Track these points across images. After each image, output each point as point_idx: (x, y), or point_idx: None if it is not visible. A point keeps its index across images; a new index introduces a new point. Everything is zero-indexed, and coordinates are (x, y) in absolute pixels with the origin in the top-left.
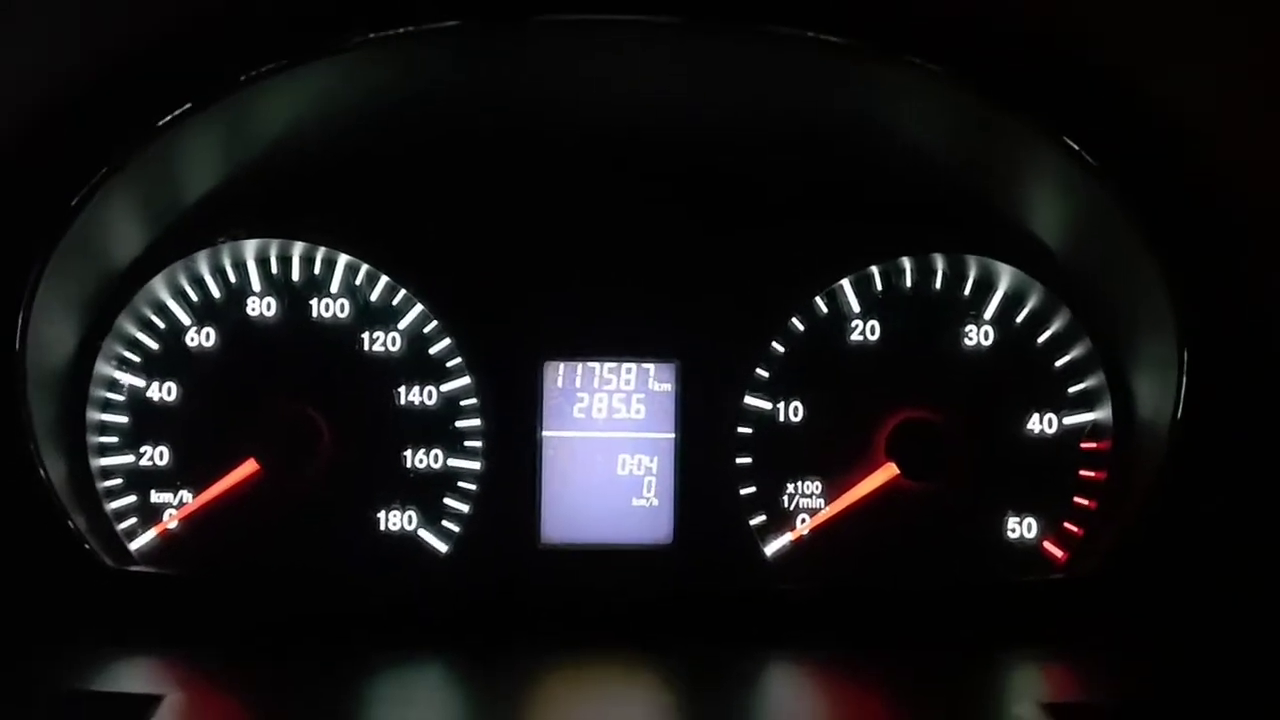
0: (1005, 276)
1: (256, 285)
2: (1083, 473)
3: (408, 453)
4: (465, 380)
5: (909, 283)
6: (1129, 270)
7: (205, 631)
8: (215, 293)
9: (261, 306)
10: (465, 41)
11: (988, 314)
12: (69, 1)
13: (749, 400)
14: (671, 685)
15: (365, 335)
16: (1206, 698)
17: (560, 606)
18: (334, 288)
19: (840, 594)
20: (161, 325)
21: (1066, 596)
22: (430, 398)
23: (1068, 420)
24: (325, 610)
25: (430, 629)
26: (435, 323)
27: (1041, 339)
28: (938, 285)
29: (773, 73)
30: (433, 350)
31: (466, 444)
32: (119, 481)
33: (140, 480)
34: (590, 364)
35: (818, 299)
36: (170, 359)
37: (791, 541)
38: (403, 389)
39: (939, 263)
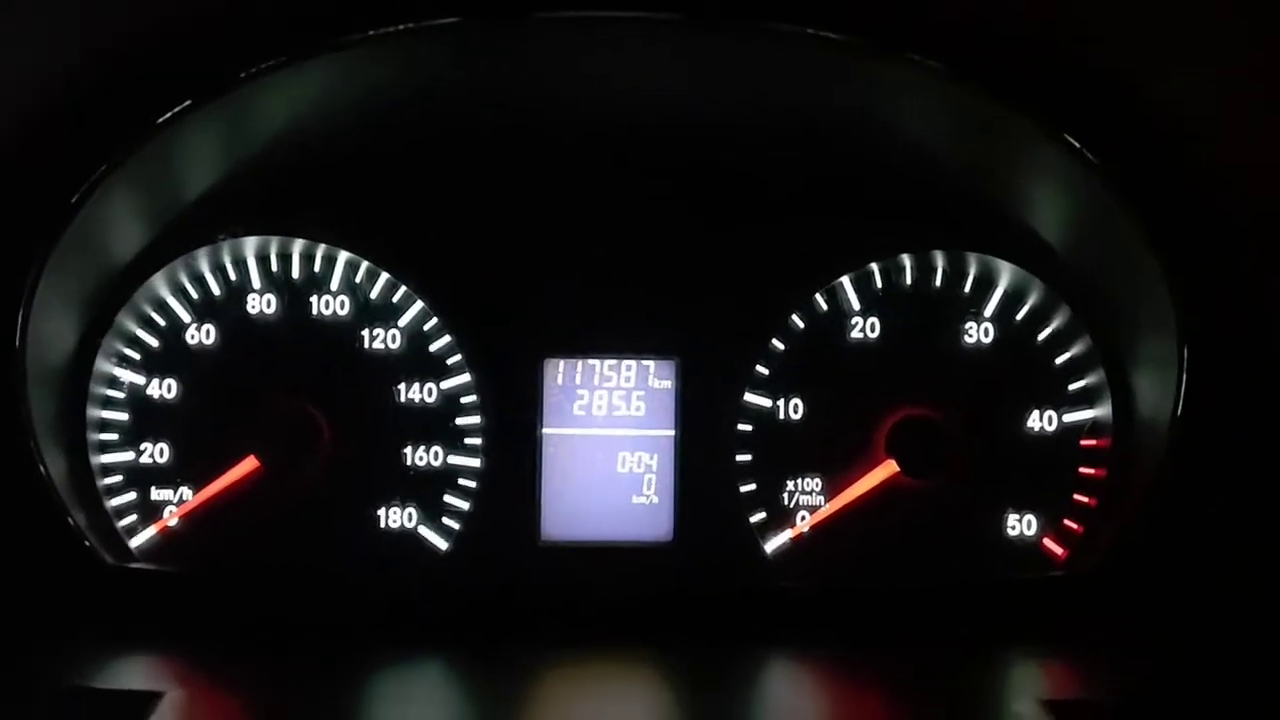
0: (1005, 274)
1: (256, 282)
2: (1083, 470)
3: (408, 450)
4: (465, 377)
5: (909, 280)
6: (1129, 268)
7: (205, 628)
8: (215, 290)
9: (261, 304)
10: (465, 38)
11: (988, 311)
12: None
13: (749, 397)
14: (671, 683)
15: (365, 332)
16: (1206, 695)
17: (560, 604)
18: (334, 285)
19: (840, 591)
20: (162, 322)
21: (1066, 594)
22: (430, 395)
23: (1068, 418)
24: (325, 607)
25: (430, 626)
26: (435, 320)
27: (1042, 336)
28: (938, 282)
29: (773, 70)
30: (433, 347)
31: (466, 441)
32: (119, 478)
33: (140, 477)
34: (590, 361)
35: (818, 296)
36: (170, 356)
37: (791, 539)
38: (403, 386)
39: (939, 260)
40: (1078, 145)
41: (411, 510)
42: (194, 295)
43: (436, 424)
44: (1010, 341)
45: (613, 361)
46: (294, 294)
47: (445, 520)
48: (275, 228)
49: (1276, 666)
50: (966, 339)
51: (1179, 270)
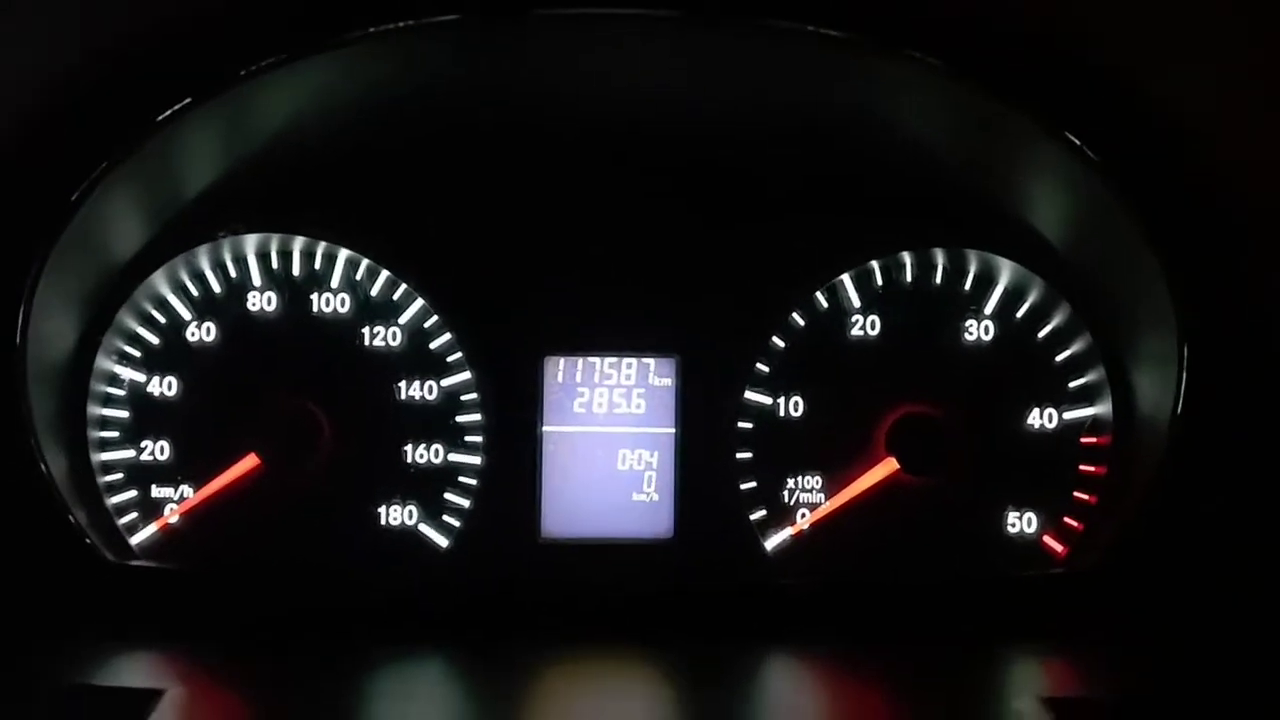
0: (1006, 271)
1: (257, 280)
2: (1083, 468)
3: (408, 448)
4: (466, 375)
5: (909, 278)
6: (1130, 265)
7: (206, 626)
8: (216, 288)
9: (262, 301)
10: (465, 36)
11: (988, 309)
12: None
13: (749, 395)
14: (671, 680)
15: (366, 330)
16: (1206, 692)
17: (560, 601)
18: (334, 282)
19: (840, 589)
20: (162, 320)
21: (1066, 591)
22: (431, 393)
23: (1068, 415)
24: (326, 605)
25: (430, 624)
26: (436, 318)
27: (1042, 334)
28: (938, 280)
29: (773, 67)
30: (433, 345)
31: (467, 439)
32: (120, 476)
33: (141, 475)
34: (590, 359)
35: (818, 294)
36: (171, 354)
37: (792, 536)
38: (403, 384)
39: (939, 258)
40: (1077, 143)
41: (412, 508)
42: (194, 293)
43: (437, 421)
44: (1010, 339)
45: (613, 359)
46: (294, 291)
47: (446, 518)
48: (276, 225)
49: (1276, 664)
50: (967, 336)
51: (1179, 267)
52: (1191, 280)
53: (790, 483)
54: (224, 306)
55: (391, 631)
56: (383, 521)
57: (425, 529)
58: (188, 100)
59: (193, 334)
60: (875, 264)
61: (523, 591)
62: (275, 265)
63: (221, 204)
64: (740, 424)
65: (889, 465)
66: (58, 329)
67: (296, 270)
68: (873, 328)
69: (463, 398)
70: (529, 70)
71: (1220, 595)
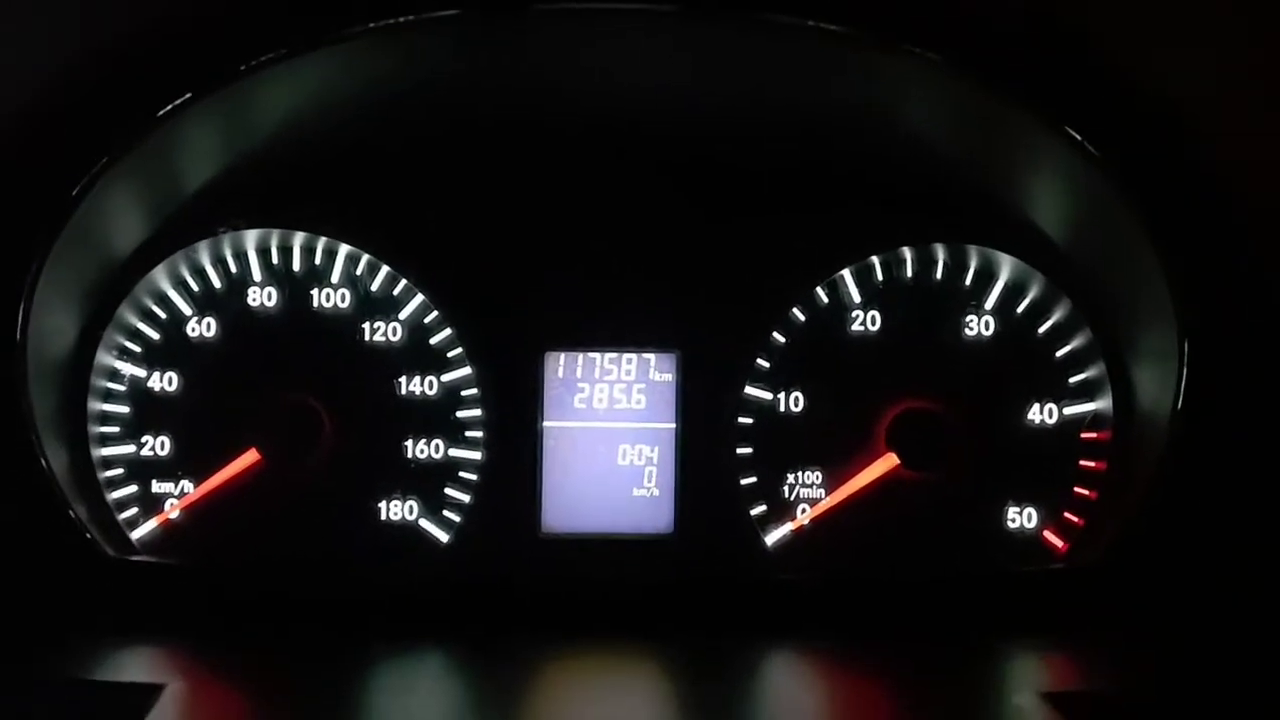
0: (1006, 267)
1: (257, 275)
2: (1083, 463)
3: (409, 443)
4: (466, 370)
5: (910, 273)
6: (1130, 261)
7: (207, 621)
8: (216, 283)
9: (262, 296)
10: (465, 31)
11: (989, 304)
12: None
13: (750, 390)
14: (671, 675)
15: (366, 325)
16: (1207, 688)
17: (561, 596)
18: (335, 278)
19: (840, 584)
20: (162, 315)
21: (1067, 586)
22: (431, 388)
23: (1068, 410)
24: (326, 600)
25: (431, 618)
26: (436, 313)
27: (1042, 329)
28: (939, 275)
29: (772, 62)
30: (433, 340)
31: (467, 434)
32: (120, 471)
33: (141, 470)
34: (591, 354)
35: (818, 289)
36: (171, 349)
37: (792, 531)
38: (404, 379)
39: (940, 253)
40: (1078, 138)
41: (412, 503)
42: (195, 288)
43: (437, 417)
44: (1011, 334)
45: (613, 354)
46: (295, 287)
47: (446, 513)
48: (276, 220)
49: (1276, 660)
50: (967, 332)
51: (1179, 263)
52: (1192, 276)
53: (790, 478)
54: (224, 302)
55: (392, 626)
56: (383, 516)
57: (425, 524)
58: (188, 95)
59: (193, 329)
60: (876, 259)
61: (523, 586)
62: (275, 260)
63: (222, 199)
64: (741, 419)
65: (889, 461)
66: (58, 324)
67: (297, 265)
68: (873, 323)
69: (463, 393)
70: (529, 65)
71: (1220, 591)
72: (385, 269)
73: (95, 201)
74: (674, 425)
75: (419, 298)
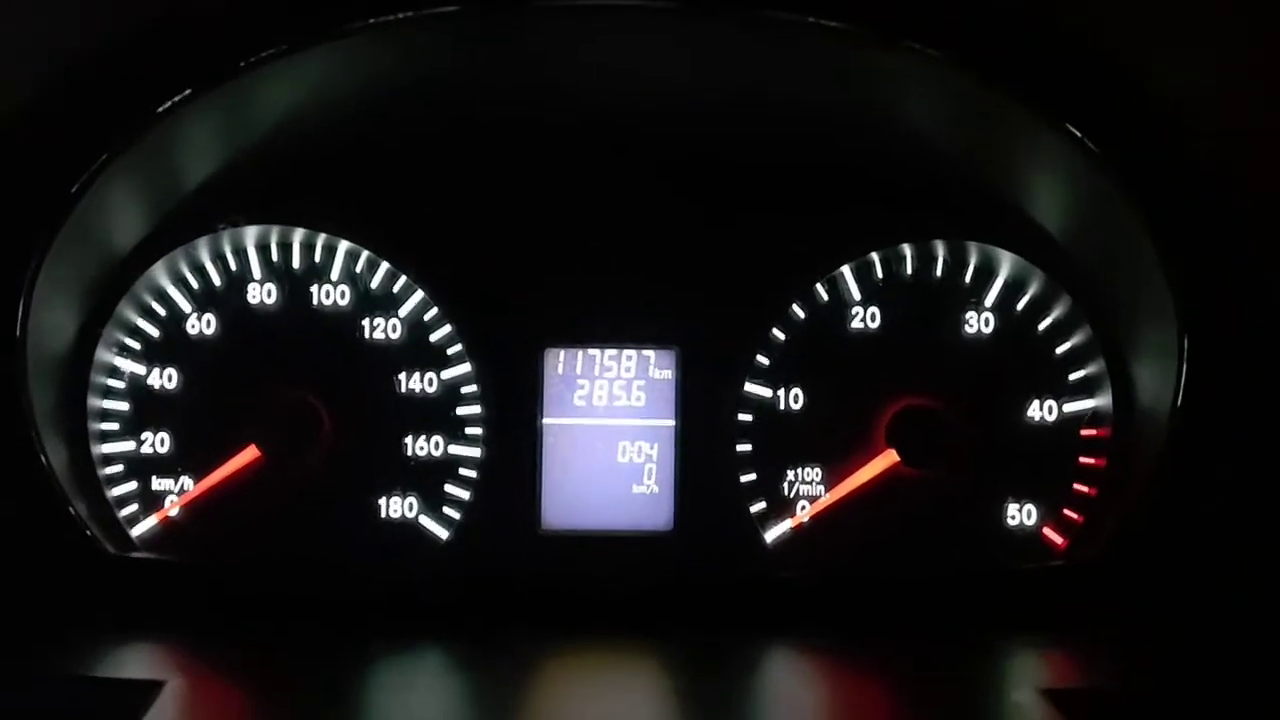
0: (1006, 263)
1: (257, 272)
2: (1083, 460)
3: (408, 440)
4: (466, 367)
5: (910, 270)
6: (1130, 257)
7: (206, 617)
8: (216, 280)
9: (262, 293)
10: (465, 27)
11: (988, 301)
12: None
13: (749, 387)
14: (671, 672)
15: (366, 322)
16: (1206, 684)
17: (560, 593)
18: (334, 275)
19: (840, 581)
20: (162, 312)
21: (1066, 583)
22: (431, 385)
23: (1068, 407)
24: (326, 597)
25: (431, 615)
26: (436, 310)
27: (1042, 326)
28: (939, 272)
29: (773, 58)
30: (433, 337)
31: (467, 431)
32: (120, 468)
33: (141, 467)
34: (591, 351)
35: (818, 286)
36: (171, 346)
37: (791, 528)
38: (403, 376)
39: (940, 249)
40: (1079, 135)
41: (412, 500)
42: (194, 285)
43: (437, 414)
44: (1011, 331)
45: (613, 351)
46: (294, 283)
47: (446, 510)
48: (275, 217)
49: (1276, 656)
50: (967, 329)
51: (1179, 260)
52: (1192, 272)
53: (790, 475)
54: (224, 299)
55: (392, 623)
56: (383, 514)
57: (425, 521)
58: (188, 92)
59: (193, 326)
60: (875, 256)
61: (523, 583)
62: (275, 257)
63: (221, 196)
64: (740, 416)
65: (889, 458)
66: (58, 321)
67: (296, 262)
68: (873, 320)
69: (463, 390)
70: (528, 62)
71: (1219, 587)
72: (385, 266)
73: (95, 198)
74: (674, 422)
75: (419, 294)
